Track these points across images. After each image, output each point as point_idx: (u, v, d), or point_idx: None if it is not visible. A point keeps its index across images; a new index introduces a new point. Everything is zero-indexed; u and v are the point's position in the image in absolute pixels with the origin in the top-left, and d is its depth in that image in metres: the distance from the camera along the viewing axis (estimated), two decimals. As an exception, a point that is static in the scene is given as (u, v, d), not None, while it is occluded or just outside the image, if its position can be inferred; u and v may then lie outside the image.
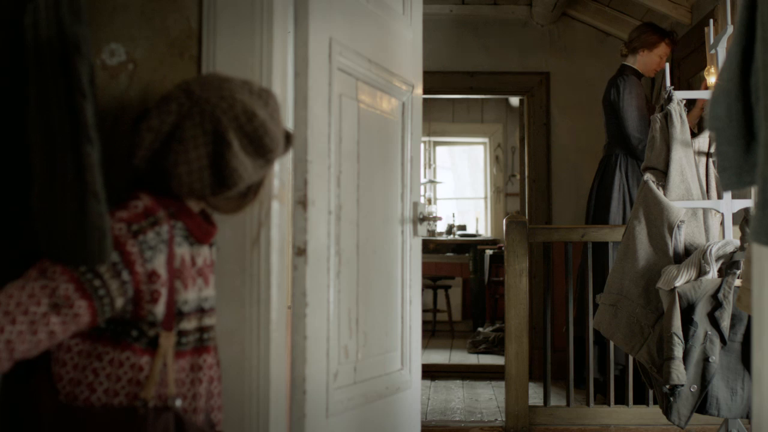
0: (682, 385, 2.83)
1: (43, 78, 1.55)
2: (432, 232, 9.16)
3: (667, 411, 2.90)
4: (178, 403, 1.64)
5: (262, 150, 1.69)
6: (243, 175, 1.66)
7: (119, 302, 1.56)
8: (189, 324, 1.69)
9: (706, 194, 3.22)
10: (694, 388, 2.85)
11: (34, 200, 1.53)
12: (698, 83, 4.47)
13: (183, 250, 1.69)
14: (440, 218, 3.22)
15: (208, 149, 1.64)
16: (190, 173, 1.64)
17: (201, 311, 1.73)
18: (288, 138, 1.81)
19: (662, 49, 4.60)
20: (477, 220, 9.62)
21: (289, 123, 2.25)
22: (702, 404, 2.88)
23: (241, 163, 1.65)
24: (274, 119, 1.73)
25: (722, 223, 3.14)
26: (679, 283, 2.87)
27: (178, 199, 1.70)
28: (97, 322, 1.56)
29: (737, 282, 2.86)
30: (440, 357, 6.39)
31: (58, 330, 1.50)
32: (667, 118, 3.17)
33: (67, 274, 1.51)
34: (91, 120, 1.56)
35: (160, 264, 1.61)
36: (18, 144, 1.61)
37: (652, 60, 4.61)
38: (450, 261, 8.82)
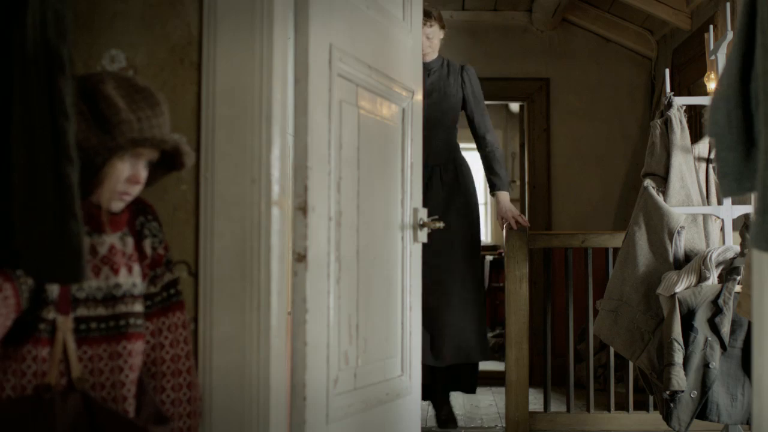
0: (683, 391, 2.82)
1: (28, 97, 1.56)
2: (432, 238, 9.10)
3: (667, 417, 2.90)
4: (84, 384, 1.68)
5: (99, 115, 1.67)
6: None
7: (30, 281, 1.62)
8: (89, 311, 1.72)
9: (706, 200, 3.22)
10: (695, 394, 2.85)
11: (15, 216, 1.55)
12: (699, 89, 4.47)
13: None
14: (441, 224, 3.17)
15: None
16: None
17: (112, 299, 1.75)
18: (177, 151, 1.75)
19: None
20: (477, 225, 9.60)
21: (289, 129, 2.26)
22: (702, 410, 2.88)
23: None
24: (136, 102, 1.70)
25: (722, 229, 3.14)
26: (679, 289, 2.87)
27: None
28: (21, 305, 1.61)
29: (737, 288, 2.86)
30: (440, 363, 6.37)
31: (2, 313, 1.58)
32: (667, 124, 3.17)
33: None
34: (72, 140, 1.58)
35: None
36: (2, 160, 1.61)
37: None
38: (450, 267, 8.78)
